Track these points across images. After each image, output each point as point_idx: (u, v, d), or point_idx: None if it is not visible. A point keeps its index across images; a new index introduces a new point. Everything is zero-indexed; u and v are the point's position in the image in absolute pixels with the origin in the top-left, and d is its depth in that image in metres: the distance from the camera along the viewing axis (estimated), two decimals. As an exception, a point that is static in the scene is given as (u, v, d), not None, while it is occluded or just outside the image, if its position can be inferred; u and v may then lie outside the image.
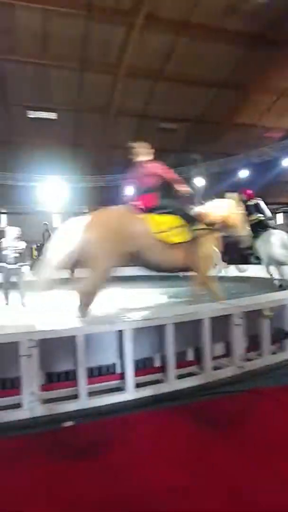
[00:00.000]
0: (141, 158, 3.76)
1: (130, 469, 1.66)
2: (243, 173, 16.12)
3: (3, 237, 6.39)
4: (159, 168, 3.66)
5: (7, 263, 6.19)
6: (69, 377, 2.52)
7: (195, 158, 14.66)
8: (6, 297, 6.19)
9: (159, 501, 1.44)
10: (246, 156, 15.90)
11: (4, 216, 18.94)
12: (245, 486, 1.51)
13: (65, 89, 14.00)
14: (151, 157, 3.81)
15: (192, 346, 2.94)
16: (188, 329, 2.81)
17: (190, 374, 2.78)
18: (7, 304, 6.17)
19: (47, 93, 14.15)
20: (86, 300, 3.07)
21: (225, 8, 11.21)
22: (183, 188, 3.73)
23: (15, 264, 6.21)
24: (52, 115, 14.88)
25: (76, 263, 3.18)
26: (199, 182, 14.81)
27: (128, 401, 2.43)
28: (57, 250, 3.08)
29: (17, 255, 6.25)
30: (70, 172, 16.46)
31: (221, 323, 2.86)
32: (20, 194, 16.79)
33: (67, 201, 16.87)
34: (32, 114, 14.70)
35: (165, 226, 3.31)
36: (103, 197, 16.71)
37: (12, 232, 6.39)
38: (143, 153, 3.79)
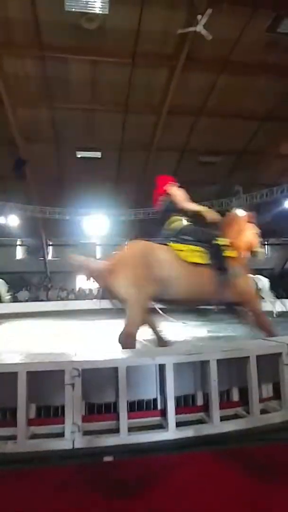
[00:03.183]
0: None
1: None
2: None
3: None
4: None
5: None
6: (109, 410, 2.49)
7: (237, 189, 14.64)
8: None
9: None
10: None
11: (51, 248, 19.89)
12: None
13: (109, 130, 14.92)
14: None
15: (238, 385, 2.79)
16: (233, 367, 2.69)
17: (235, 416, 2.62)
18: None
19: (93, 134, 15.15)
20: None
21: (266, 44, 11.52)
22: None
23: None
24: (98, 154, 15.80)
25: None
26: (241, 213, 14.71)
27: (169, 440, 2.33)
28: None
29: None
30: (112, 206, 17.11)
31: (270, 362, 2.70)
32: (66, 228, 17.66)
33: (110, 234, 17.41)
34: (80, 154, 15.72)
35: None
36: (144, 229, 17.11)
37: None
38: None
